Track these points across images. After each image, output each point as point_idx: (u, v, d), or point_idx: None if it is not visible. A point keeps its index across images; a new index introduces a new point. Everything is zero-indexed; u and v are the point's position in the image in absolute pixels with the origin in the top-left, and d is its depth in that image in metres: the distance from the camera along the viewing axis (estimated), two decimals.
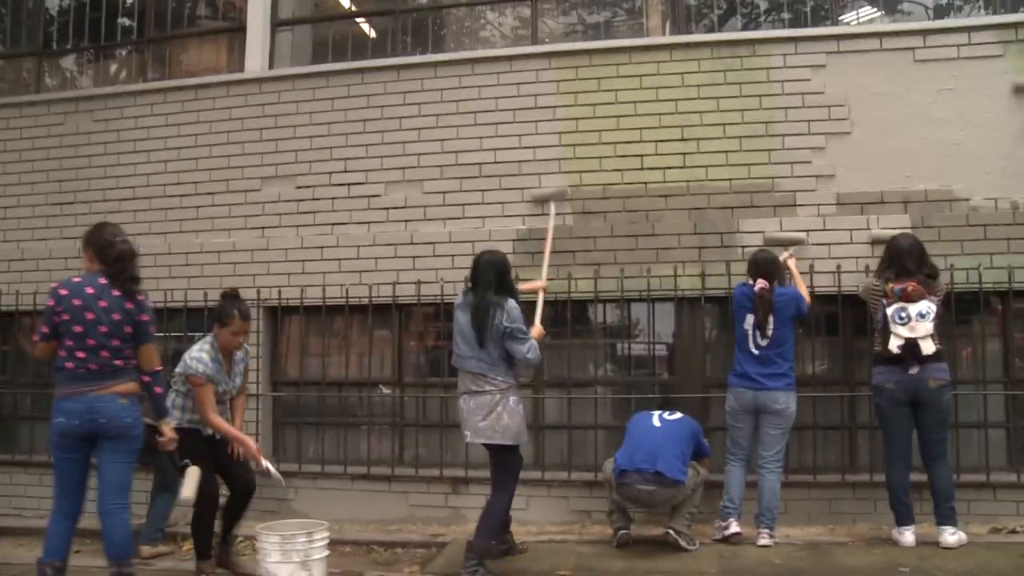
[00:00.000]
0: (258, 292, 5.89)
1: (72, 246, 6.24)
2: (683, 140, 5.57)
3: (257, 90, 6.14)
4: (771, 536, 4.74)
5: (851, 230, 5.35)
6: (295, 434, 6.03)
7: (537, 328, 4.69)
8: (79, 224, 6.27)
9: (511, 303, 4.43)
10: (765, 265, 4.89)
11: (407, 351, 6.00)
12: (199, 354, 4.40)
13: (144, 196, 6.23)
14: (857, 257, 5.27)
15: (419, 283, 5.67)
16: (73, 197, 6.33)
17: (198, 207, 6.14)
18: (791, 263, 5.13)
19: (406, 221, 5.84)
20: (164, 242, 6.14)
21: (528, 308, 4.73)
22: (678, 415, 4.87)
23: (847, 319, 5.37)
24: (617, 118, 5.65)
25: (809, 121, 5.47)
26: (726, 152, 5.52)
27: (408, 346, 6.02)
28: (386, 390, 5.93)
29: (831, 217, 5.39)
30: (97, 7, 6.78)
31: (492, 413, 4.36)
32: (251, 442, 4.51)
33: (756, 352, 4.81)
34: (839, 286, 5.28)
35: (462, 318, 4.48)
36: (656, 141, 5.59)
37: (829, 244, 5.36)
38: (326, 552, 3.86)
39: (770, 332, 4.77)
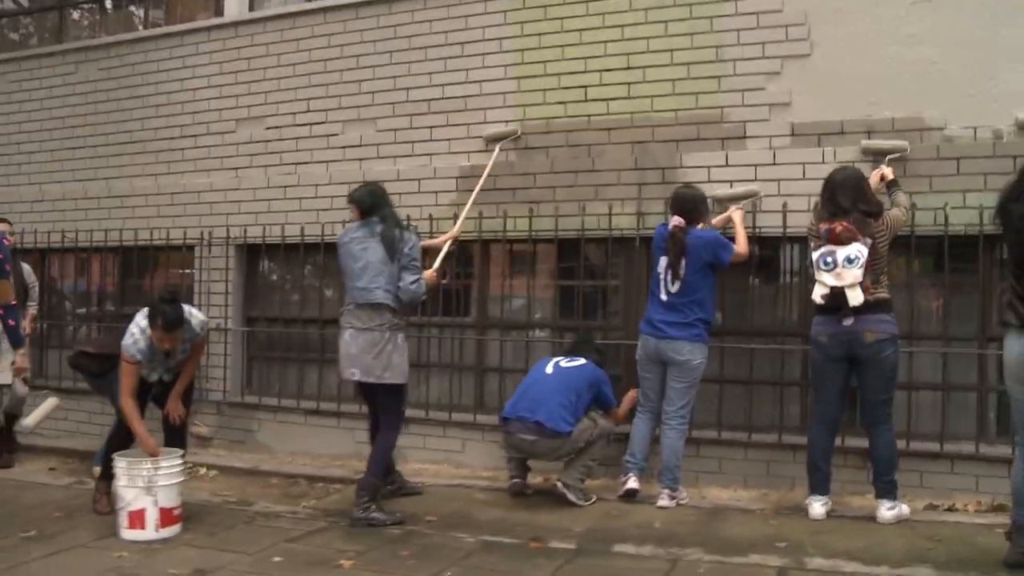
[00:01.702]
0: (228, 231, 6.27)
1: (82, 188, 6.94)
2: (628, 69, 5.29)
3: (233, 34, 6.44)
4: (672, 497, 4.53)
5: (804, 164, 4.90)
6: (261, 368, 6.41)
7: (429, 273, 4.67)
8: (87, 167, 6.95)
9: (411, 234, 4.48)
10: (683, 201, 4.60)
11: None
12: (139, 336, 4.24)
13: (139, 140, 6.73)
14: (810, 195, 4.71)
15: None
16: (83, 142, 6.95)
17: (183, 149, 6.57)
18: (736, 216, 4.77)
19: (360, 160, 5.98)
20: (155, 183, 6.63)
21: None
22: (580, 362, 4.73)
23: (792, 264, 4.97)
24: (562, 48, 5.45)
25: (764, 43, 5.03)
26: (673, 80, 5.20)
27: None
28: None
29: (783, 150, 4.96)
30: None
31: (383, 352, 4.36)
32: (150, 441, 4.29)
33: (665, 298, 4.56)
34: (784, 226, 4.88)
35: (359, 249, 4.44)
36: (601, 71, 5.35)
37: (779, 180, 4.94)
38: (177, 479, 4.10)
39: (682, 275, 4.51)
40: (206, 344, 4.92)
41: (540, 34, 5.50)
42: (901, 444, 4.53)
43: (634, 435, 4.71)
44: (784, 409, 4.94)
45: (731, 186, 4.99)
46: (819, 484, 4.28)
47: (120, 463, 4.03)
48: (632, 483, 4.61)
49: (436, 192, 5.66)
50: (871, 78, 4.81)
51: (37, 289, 6.33)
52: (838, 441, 4.45)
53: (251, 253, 6.39)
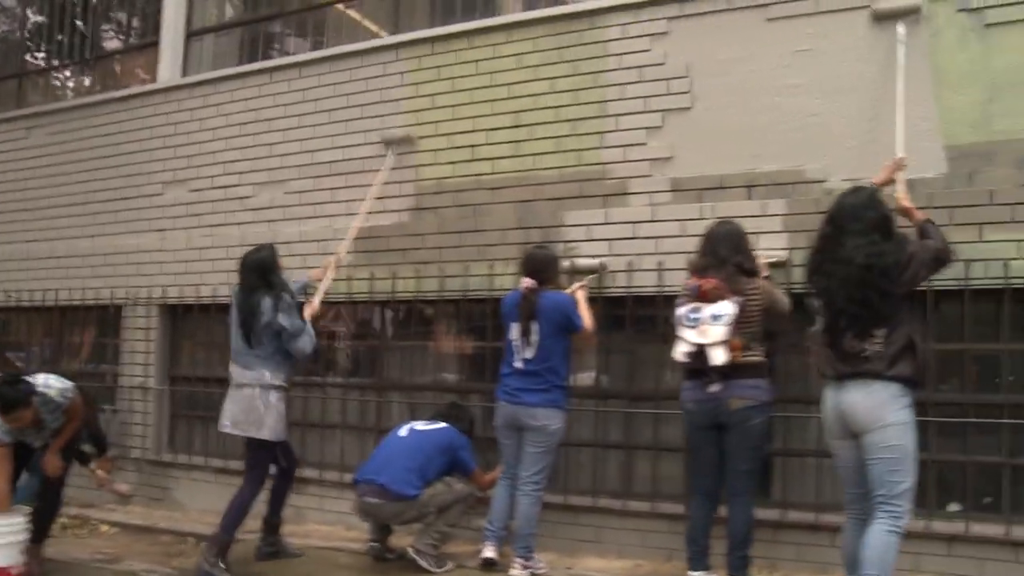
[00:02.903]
0: (150, 292, 6.44)
1: (26, 249, 7.25)
2: (515, 127, 5.27)
3: (164, 99, 6.69)
4: (525, 566, 4.34)
5: (684, 220, 4.74)
6: (183, 427, 6.47)
7: (312, 305, 4.75)
8: (33, 229, 7.26)
9: (285, 299, 4.53)
10: (534, 262, 4.50)
11: None
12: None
13: (79, 202, 7.00)
14: (688, 252, 4.57)
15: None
16: (32, 204, 7.27)
17: (116, 211, 6.80)
18: (579, 295, 4.61)
19: (269, 221, 6.07)
20: (91, 243, 6.87)
21: None
22: (439, 425, 4.64)
23: (669, 324, 4.76)
24: (453, 107, 5.47)
25: (646, 97, 4.94)
26: (557, 138, 5.15)
27: None
28: None
29: (663, 207, 4.82)
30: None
31: (252, 407, 4.51)
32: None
33: (520, 365, 4.42)
34: (660, 286, 4.72)
35: (235, 316, 4.65)
36: (488, 130, 5.34)
37: (657, 238, 4.80)
38: (15, 538, 4.16)
39: (535, 340, 4.39)
40: (81, 408, 4.95)
41: (433, 94, 5.54)
42: (776, 515, 4.29)
43: (494, 503, 4.55)
44: (660, 476, 4.72)
45: (609, 245, 4.88)
46: (695, 558, 4.03)
47: None
48: (489, 552, 4.43)
49: (331, 254, 5.68)
50: (752, 130, 4.66)
51: None
52: None
53: (172, 313, 6.52)
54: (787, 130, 4.60)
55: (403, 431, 4.63)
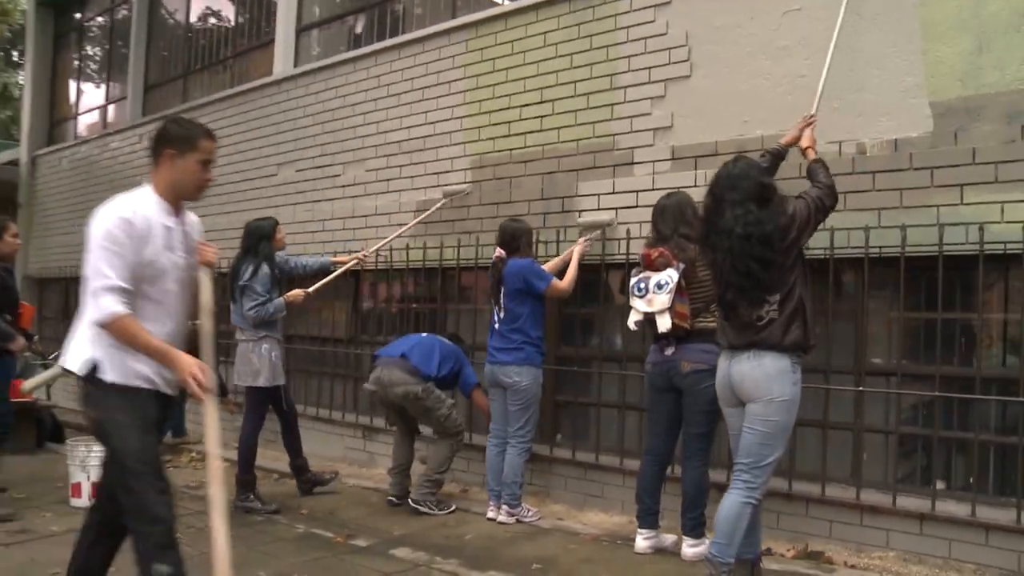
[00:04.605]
0: None
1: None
2: (541, 103, 5.78)
3: (277, 90, 7.88)
4: (511, 513, 4.95)
5: (680, 188, 5.00)
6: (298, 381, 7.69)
7: (296, 292, 5.61)
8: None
9: (262, 268, 5.42)
10: (503, 234, 5.07)
11: (361, 311, 7.20)
12: None
13: (217, 183, 8.38)
14: None
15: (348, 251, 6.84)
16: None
17: (243, 191, 8.13)
18: (575, 250, 5.12)
19: (353, 197, 7.03)
20: (226, 220, 8.24)
21: None
22: (447, 341, 5.46)
23: None
24: (493, 87, 6.07)
25: (650, 68, 5.25)
26: (575, 111, 5.59)
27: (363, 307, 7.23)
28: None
29: (663, 175, 5.14)
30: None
31: (247, 360, 5.50)
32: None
33: (497, 327, 5.04)
34: None
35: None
36: (521, 106, 5.89)
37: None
38: None
39: (502, 303, 4.96)
40: None
41: (478, 75, 6.17)
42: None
43: (487, 464, 5.15)
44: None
45: (615, 213, 5.28)
46: (643, 517, 4.43)
47: (67, 446, 5.46)
48: (491, 512, 5.05)
49: (401, 225, 6.53)
50: (744, 96, 4.85)
51: None
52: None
53: None
54: (777, 94, 4.74)
55: (424, 334, 5.52)
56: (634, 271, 4.42)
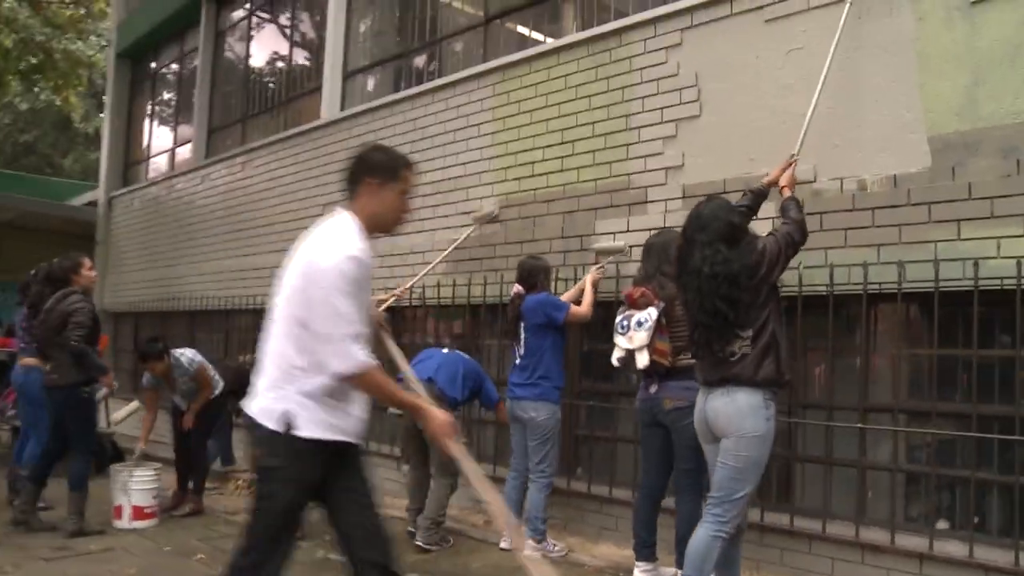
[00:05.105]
0: None
1: (237, 263, 9.33)
2: (562, 144, 6.03)
3: (323, 133, 8.35)
4: (535, 548, 5.08)
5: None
6: None
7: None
8: (248, 245, 9.33)
9: None
10: (522, 270, 5.30)
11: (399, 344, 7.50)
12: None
13: (269, 223, 8.92)
14: None
15: (384, 289, 7.18)
16: (243, 225, 9.36)
17: (295, 230, 8.50)
18: (588, 277, 5.32)
19: (392, 236, 7.32)
20: (277, 258, 8.71)
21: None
22: (467, 356, 5.69)
23: None
24: (518, 128, 6.35)
25: (662, 108, 5.45)
26: (594, 152, 5.82)
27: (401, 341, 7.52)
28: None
29: (674, 213, 5.29)
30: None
31: None
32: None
33: (517, 361, 5.25)
34: None
35: None
36: (544, 147, 6.15)
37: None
38: (151, 485, 5.85)
39: (523, 338, 5.17)
40: (209, 379, 6.44)
41: (504, 117, 6.47)
42: (755, 516, 4.65)
43: (505, 495, 5.27)
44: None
45: (630, 251, 5.46)
46: (639, 550, 4.57)
47: (112, 470, 5.90)
48: (504, 543, 5.22)
49: (432, 263, 6.84)
50: (750, 134, 5.00)
51: None
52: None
53: None
54: (782, 131, 4.85)
55: (445, 349, 5.72)
56: (620, 309, 4.61)
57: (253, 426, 2.74)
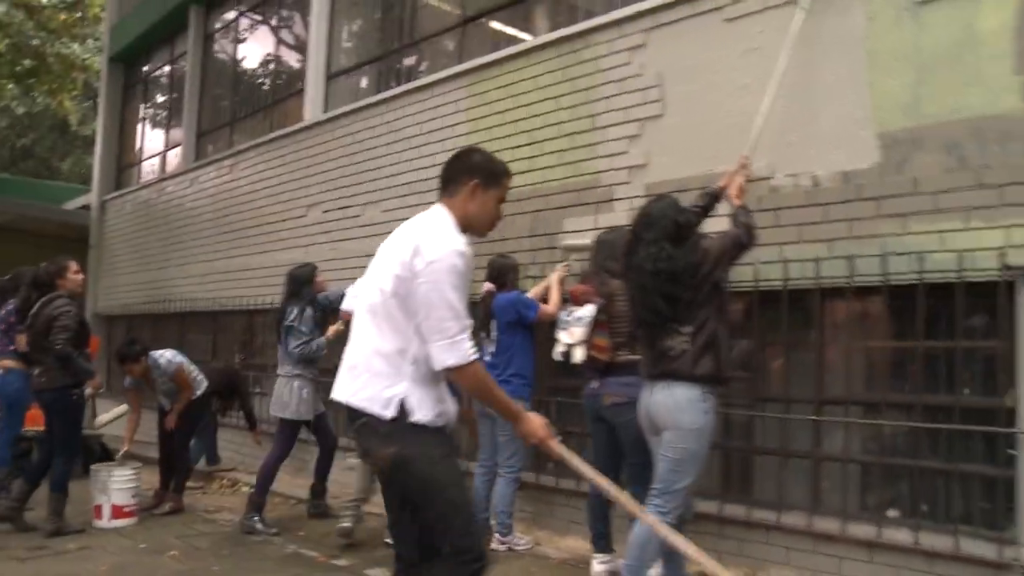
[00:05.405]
0: None
1: (224, 264, 9.49)
2: (531, 144, 6.15)
3: (307, 136, 8.49)
4: (501, 541, 5.23)
5: None
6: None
7: (334, 328, 6.11)
8: (236, 246, 9.48)
9: (306, 311, 6.00)
10: (492, 269, 5.44)
11: None
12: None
13: (255, 224, 9.06)
14: None
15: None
16: (230, 227, 9.51)
17: (278, 231, 8.72)
18: (553, 276, 5.44)
19: (370, 236, 7.50)
20: (260, 259, 8.87)
21: None
22: None
23: None
24: (489, 129, 6.47)
25: (627, 108, 5.57)
26: (561, 151, 5.94)
27: None
28: None
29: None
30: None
31: (280, 392, 6.08)
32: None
33: (488, 358, 5.36)
34: None
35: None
36: (513, 148, 6.24)
37: None
38: (130, 484, 5.99)
39: (493, 336, 5.30)
40: (188, 380, 6.55)
41: (477, 119, 6.60)
42: (714, 508, 4.77)
43: (474, 490, 5.40)
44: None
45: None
46: (596, 542, 4.72)
47: (92, 470, 6.04)
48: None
49: None
50: (711, 132, 5.12)
51: None
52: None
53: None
54: (740, 130, 4.95)
55: None
56: (565, 305, 4.75)
57: (365, 418, 2.73)
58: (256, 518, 5.85)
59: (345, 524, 5.38)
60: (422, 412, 2.70)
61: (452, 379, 2.74)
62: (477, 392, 2.82)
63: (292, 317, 5.99)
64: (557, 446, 2.94)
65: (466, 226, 2.90)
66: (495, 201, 2.96)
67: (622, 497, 3.16)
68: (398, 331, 2.73)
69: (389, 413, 2.69)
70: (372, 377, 2.74)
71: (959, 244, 4.08)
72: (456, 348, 2.65)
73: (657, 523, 3.27)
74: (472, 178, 2.93)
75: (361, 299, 2.93)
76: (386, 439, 2.71)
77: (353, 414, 2.79)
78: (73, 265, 6.15)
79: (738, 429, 4.99)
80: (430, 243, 2.72)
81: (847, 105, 4.57)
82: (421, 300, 2.65)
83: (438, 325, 2.64)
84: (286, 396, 6.03)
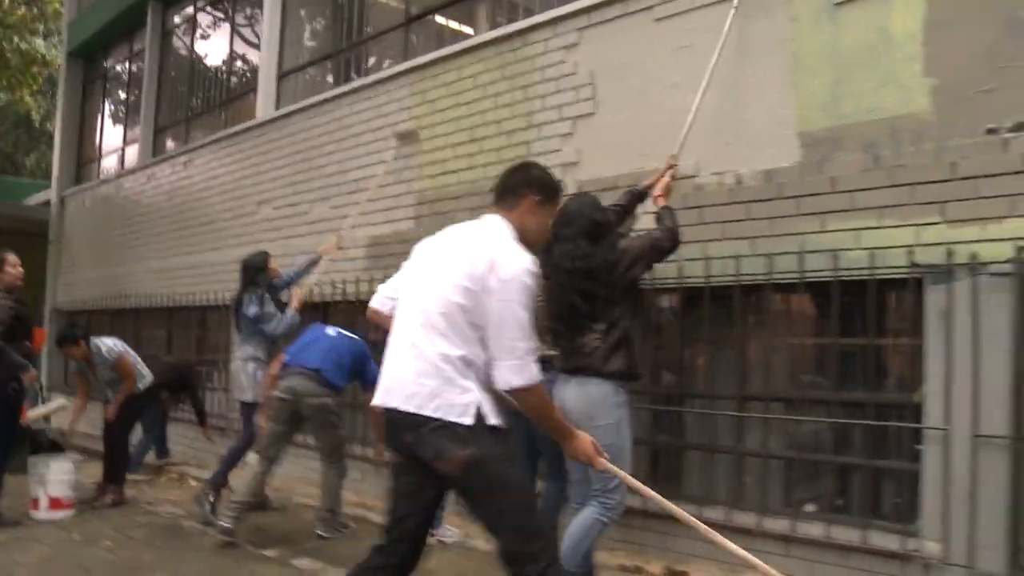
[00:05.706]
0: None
1: (184, 260, 9.47)
2: (471, 141, 6.19)
3: (259, 133, 8.50)
4: (430, 533, 5.26)
5: None
6: None
7: (297, 293, 6.34)
8: (191, 244, 9.47)
9: (260, 295, 6.15)
10: None
11: None
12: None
13: (208, 220, 9.07)
14: None
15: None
16: (185, 223, 9.50)
17: (230, 228, 8.73)
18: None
19: (318, 233, 7.54)
20: (216, 255, 8.87)
21: None
22: (356, 337, 5.76)
23: None
24: (432, 127, 6.52)
25: (560, 106, 5.63)
26: (499, 149, 5.99)
27: None
28: None
29: None
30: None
31: (238, 376, 6.23)
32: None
33: None
34: None
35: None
36: (454, 145, 6.32)
37: None
38: (68, 476, 6.00)
39: None
40: (129, 370, 6.56)
41: (420, 116, 6.64)
42: (639, 502, 4.83)
43: None
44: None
45: None
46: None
47: (29, 462, 6.04)
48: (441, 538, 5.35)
49: (354, 259, 7.00)
50: (642, 131, 5.17)
51: None
52: None
53: None
54: (670, 129, 5.00)
55: (331, 331, 5.73)
56: None
57: (436, 423, 2.70)
58: (210, 499, 5.84)
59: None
60: (494, 415, 2.74)
61: (515, 398, 2.75)
62: (537, 412, 2.83)
63: (254, 307, 6.09)
64: (604, 463, 3.01)
65: (521, 238, 2.89)
66: (550, 218, 3.01)
67: (667, 504, 3.28)
68: (465, 340, 2.73)
69: (468, 420, 2.69)
70: (442, 384, 2.72)
71: (872, 242, 4.16)
72: (525, 370, 2.69)
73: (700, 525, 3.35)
74: (533, 193, 2.95)
75: (406, 302, 2.93)
76: (463, 442, 2.70)
77: (413, 420, 2.75)
78: (11, 258, 6.12)
79: (665, 425, 5.06)
80: (505, 260, 2.71)
81: (772, 105, 4.63)
82: (494, 317, 2.67)
83: (509, 345, 2.67)
84: (244, 380, 6.16)
